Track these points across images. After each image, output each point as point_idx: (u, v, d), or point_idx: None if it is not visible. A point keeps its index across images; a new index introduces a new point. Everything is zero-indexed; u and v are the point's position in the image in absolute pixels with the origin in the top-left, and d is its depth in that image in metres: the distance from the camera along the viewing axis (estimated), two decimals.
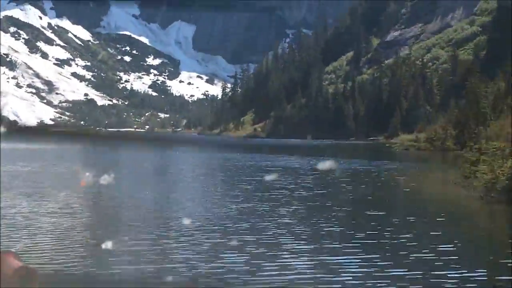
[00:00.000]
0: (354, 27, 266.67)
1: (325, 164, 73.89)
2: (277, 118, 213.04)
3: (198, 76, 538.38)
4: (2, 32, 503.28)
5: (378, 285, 18.77)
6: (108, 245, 23.54)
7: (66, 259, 21.55)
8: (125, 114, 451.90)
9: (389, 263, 21.63)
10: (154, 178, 61.35)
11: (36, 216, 31.70)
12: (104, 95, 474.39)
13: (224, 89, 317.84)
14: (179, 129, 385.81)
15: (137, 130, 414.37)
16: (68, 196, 40.81)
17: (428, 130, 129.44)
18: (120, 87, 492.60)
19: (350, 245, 24.80)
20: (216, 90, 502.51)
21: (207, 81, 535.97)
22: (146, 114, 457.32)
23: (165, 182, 56.17)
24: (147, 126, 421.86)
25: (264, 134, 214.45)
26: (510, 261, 22.23)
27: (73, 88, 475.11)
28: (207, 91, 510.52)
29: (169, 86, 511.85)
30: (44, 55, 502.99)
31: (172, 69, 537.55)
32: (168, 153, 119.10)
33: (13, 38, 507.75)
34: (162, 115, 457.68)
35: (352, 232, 28.46)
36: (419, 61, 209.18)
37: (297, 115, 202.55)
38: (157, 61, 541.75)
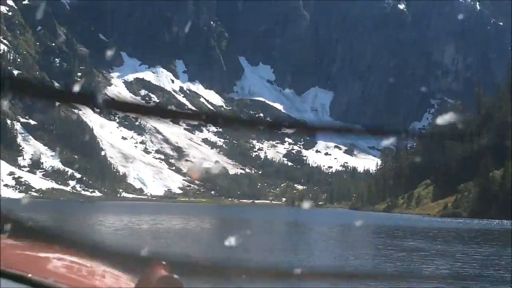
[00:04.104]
0: None
1: None
2: (482, 191, 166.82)
3: (336, 147, 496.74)
4: (132, 95, 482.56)
5: None
6: None
7: None
8: (259, 184, 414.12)
9: None
10: None
11: None
12: (236, 163, 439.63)
13: (385, 158, 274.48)
14: (321, 203, 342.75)
15: (273, 202, 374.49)
16: None
17: None
18: (253, 156, 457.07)
19: None
20: (355, 161, 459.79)
21: (345, 151, 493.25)
22: (282, 185, 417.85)
23: None
24: (283, 199, 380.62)
25: (465, 213, 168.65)
26: None
27: (204, 155, 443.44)
28: (346, 163, 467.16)
29: (305, 156, 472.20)
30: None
31: (308, 138, 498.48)
32: None
33: (143, 101, 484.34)
34: (298, 187, 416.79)
35: None
36: None
37: None
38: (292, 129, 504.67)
